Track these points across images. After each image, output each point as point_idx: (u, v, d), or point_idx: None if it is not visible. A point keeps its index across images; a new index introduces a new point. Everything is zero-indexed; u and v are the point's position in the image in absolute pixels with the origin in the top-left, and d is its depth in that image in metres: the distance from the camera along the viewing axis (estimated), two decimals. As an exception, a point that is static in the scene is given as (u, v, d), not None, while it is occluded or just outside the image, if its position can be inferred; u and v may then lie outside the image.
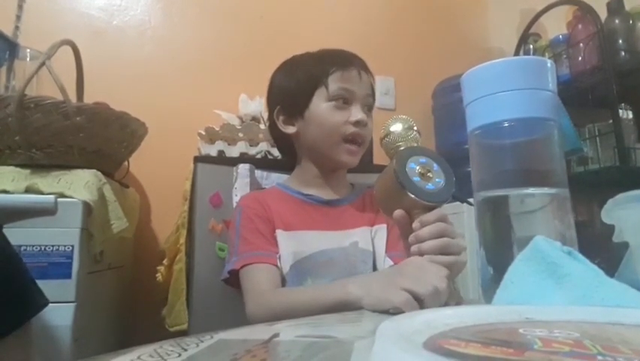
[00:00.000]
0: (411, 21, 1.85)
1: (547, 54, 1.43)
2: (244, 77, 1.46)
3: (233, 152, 1.15)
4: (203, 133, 1.18)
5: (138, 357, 0.26)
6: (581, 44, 1.29)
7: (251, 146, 1.17)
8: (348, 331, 0.36)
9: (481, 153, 0.44)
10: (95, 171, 0.91)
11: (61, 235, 0.81)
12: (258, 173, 0.96)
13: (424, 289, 0.44)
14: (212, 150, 1.15)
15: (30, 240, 0.79)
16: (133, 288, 1.28)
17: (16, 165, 0.87)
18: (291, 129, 0.82)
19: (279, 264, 0.72)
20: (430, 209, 0.52)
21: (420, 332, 0.23)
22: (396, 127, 0.56)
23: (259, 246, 0.73)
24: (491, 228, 0.43)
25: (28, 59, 1.09)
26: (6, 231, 0.63)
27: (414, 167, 0.51)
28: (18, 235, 0.74)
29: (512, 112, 0.41)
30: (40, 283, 0.66)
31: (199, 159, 1.04)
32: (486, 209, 0.43)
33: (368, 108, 0.81)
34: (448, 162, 0.54)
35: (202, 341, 0.30)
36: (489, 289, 0.39)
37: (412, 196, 0.50)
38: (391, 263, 0.76)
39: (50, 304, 0.67)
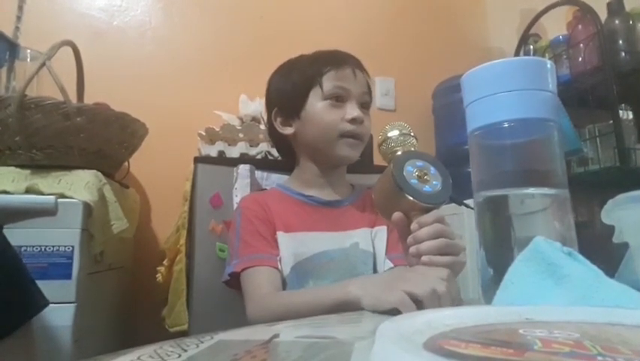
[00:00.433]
0: (411, 21, 1.85)
1: (547, 55, 1.43)
2: (244, 77, 1.46)
3: (234, 152, 1.15)
4: (204, 134, 1.18)
5: (138, 358, 0.26)
6: (581, 45, 1.29)
7: (251, 146, 1.17)
8: (349, 331, 0.36)
9: (481, 154, 0.44)
10: (95, 171, 0.91)
11: (62, 235, 0.81)
12: (258, 174, 0.96)
13: (422, 291, 0.44)
14: (213, 151, 1.15)
15: (30, 240, 0.79)
16: (133, 288, 1.28)
17: (17, 166, 0.87)
18: (288, 130, 0.83)
19: (279, 266, 0.72)
20: (428, 211, 0.52)
21: (420, 332, 0.23)
22: (394, 133, 0.58)
23: (259, 248, 0.73)
24: (491, 228, 0.43)
25: (28, 60, 1.09)
26: (6, 231, 0.63)
27: (411, 170, 0.52)
28: (18, 235, 0.75)
29: (512, 113, 0.41)
30: (41, 283, 0.66)
31: (199, 160, 1.04)
32: (486, 210, 0.43)
33: (364, 106, 0.82)
34: (447, 162, 0.54)
35: (202, 342, 0.30)
36: (489, 289, 0.39)
37: (410, 198, 0.51)
38: (391, 265, 0.76)
39: (51, 305, 0.67)
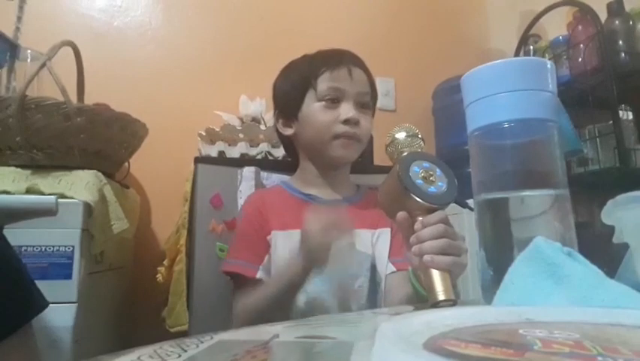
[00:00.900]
0: (411, 21, 1.84)
1: (547, 55, 1.43)
2: (244, 77, 1.46)
3: (234, 152, 1.16)
4: (204, 134, 1.18)
5: (138, 358, 0.26)
6: (581, 45, 1.29)
7: (251, 146, 1.17)
8: (349, 332, 0.36)
9: (481, 154, 0.44)
10: (95, 171, 0.91)
11: (62, 235, 0.81)
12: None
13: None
14: (213, 151, 1.15)
15: (31, 240, 0.79)
16: (133, 289, 1.28)
17: (17, 166, 0.87)
18: (289, 131, 0.85)
19: (258, 275, 0.76)
20: (432, 212, 0.52)
21: (420, 332, 0.23)
22: (401, 135, 0.58)
23: (244, 256, 0.78)
24: (491, 229, 0.43)
25: (28, 60, 1.08)
26: (6, 232, 0.63)
27: (417, 170, 0.52)
28: (19, 235, 0.75)
29: (512, 113, 0.41)
30: (41, 283, 0.66)
31: (199, 160, 1.04)
32: (486, 210, 0.43)
33: (363, 106, 0.81)
34: (447, 163, 0.54)
35: (202, 342, 0.30)
36: (489, 290, 0.39)
37: (415, 198, 0.51)
38: (394, 269, 0.76)
39: (51, 305, 0.67)
